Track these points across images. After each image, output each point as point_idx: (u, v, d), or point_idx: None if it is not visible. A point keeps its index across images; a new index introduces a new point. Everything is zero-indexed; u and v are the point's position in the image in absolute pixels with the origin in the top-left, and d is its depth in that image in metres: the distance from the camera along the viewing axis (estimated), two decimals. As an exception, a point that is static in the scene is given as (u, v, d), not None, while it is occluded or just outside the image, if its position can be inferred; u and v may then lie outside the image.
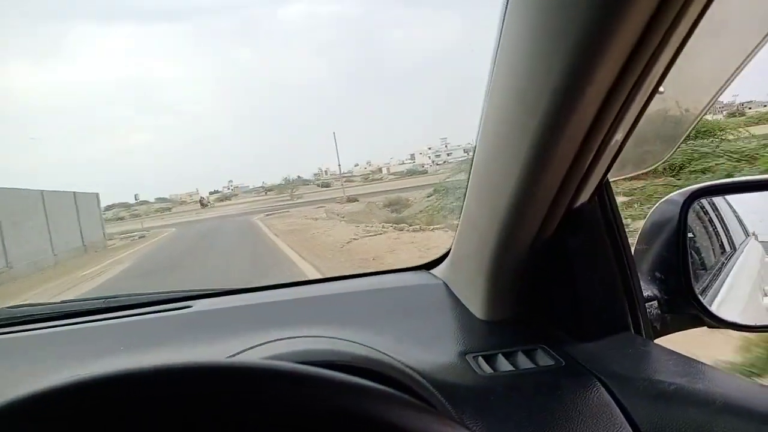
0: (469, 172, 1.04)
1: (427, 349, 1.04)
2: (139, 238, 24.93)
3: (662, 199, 1.18)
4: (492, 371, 0.95)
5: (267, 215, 27.59)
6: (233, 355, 0.98)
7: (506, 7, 0.74)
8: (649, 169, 1.18)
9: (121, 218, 73.14)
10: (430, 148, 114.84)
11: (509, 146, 0.84)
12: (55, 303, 1.49)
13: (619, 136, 0.80)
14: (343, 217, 21.55)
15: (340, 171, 47.93)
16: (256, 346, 1.02)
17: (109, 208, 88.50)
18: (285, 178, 53.67)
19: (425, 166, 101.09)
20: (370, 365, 0.90)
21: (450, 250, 1.33)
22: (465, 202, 1.12)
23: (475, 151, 0.99)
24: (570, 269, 0.99)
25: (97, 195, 24.28)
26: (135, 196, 35.22)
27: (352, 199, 29.32)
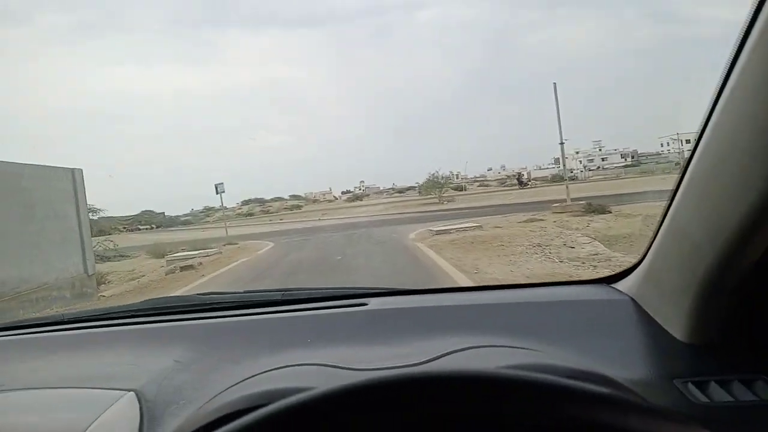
0: (681, 176, 0.91)
1: (623, 368, 0.95)
2: (182, 269, 11.87)
3: None
4: (707, 400, 0.86)
5: (439, 233, 13.48)
6: (428, 360, 0.95)
7: (757, 14, 0.67)
8: None
9: (251, 214, 67.15)
10: (578, 152, 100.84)
11: (749, 150, 0.72)
12: (238, 293, 1.53)
13: None
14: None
15: (561, 157, 33.47)
16: (453, 351, 0.97)
17: (245, 202, 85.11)
18: (433, 174, 38.82)
19: (574, 172, 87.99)
20: (592, 380, 0.81)
21: (639, 262, 1.18)
22: (671, 210, 0.98)
23: (693, 153, 0.86)
24: None
25: (74, 172, 10.49)
26: (217, 186, 20.20)
27: (596, 208, 14.74)
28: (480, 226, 13.69)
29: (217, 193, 20.50)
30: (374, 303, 1.33)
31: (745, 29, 0.70)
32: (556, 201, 18.44)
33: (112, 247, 20.07)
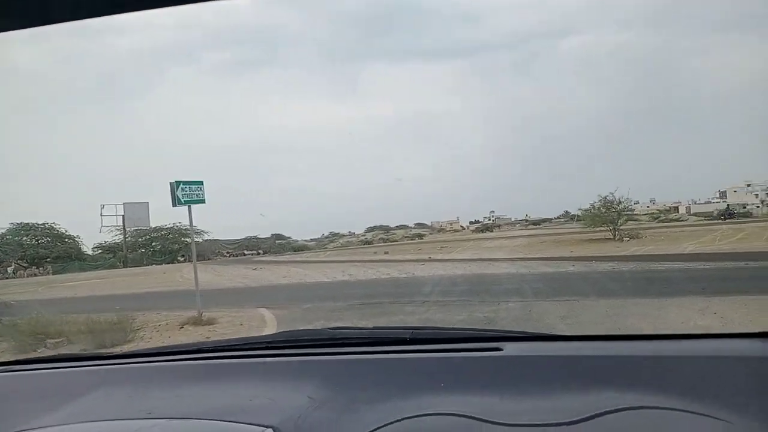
0: None
1: None
2: None
3: None
4: None
5: None
6: (583, 419, 0.86)
7: None
8: None
9: (369, 243, 58.27)
10: (749, 184, 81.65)
11: None
12: (368, 329, 1.55)
13: None
14: None
15: None
16: (609, 412, 0.88)
17: (370, 229, 77.27)
18: (604, 198, 24.51)
19: (748, 207, 70.40)
20: None
21: None
22: None
23: None
24: None
25: None
26: (176, 189, 7.78)
27: None
28: None
29: (175, 203, 9.02)
30: (510, 348, 1.20)
31: None
32: None
33: None
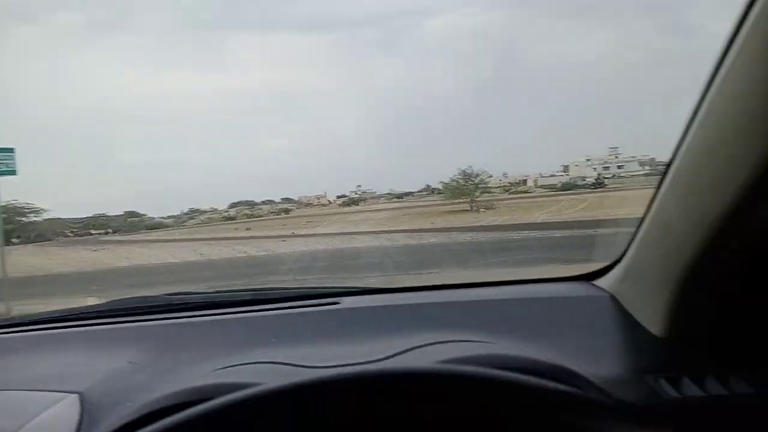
0: (664, 175, 0.87)
1: (595, 364, 0.90)
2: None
3: None
4: (678, 395, 0.82)
5: None
6: (386, 357, 0.90)
7: (746, 14, 0.64)
8: None
9: (233, 219, 55.64)
10: (589, 159, 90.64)
11: (730, 150, 0.72)
12: (208, 293, 1.50)
13: None
14: None
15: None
16: (414, 348, 0.93)
17: (233, 205, 73.81)
18: (463, 171, 25.25)
19: (587, 180, 78.55)
20: (550, 372, 0.76)
21: (619, 259, 1.10)
22: (655, 204, 0.91)
23: (677, 152, 0.83)
24: None
25: None
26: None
27: None
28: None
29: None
30: (347, 302, 1.24)
31: (735, 26, 0.66)
32: None
33: None
